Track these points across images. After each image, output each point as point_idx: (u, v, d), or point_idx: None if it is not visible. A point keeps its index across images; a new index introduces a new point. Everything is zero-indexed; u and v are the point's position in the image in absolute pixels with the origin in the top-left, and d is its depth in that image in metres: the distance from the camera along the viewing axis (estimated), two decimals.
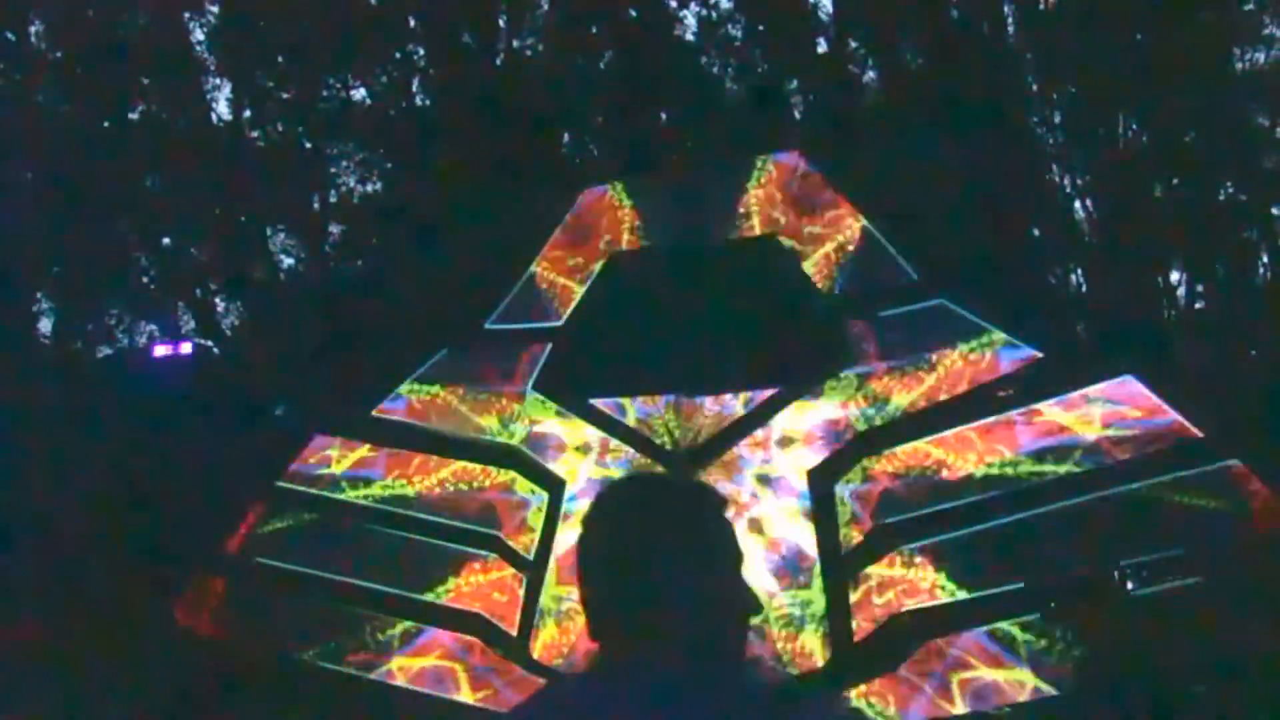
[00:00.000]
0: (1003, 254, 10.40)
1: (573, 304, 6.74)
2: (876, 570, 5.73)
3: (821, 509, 5.92)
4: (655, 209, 6.76)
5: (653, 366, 6.42)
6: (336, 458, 6.79)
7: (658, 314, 6.46)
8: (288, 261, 13.31)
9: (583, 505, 6.30)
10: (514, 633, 6.25)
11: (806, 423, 6.14)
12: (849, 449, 6.01)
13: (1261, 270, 12.48)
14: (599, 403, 6.48)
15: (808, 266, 6.34)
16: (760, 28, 12.67)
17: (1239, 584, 4.76)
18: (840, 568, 5.81)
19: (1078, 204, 12.57)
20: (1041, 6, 12.68)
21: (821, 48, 12.85)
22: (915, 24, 11.89)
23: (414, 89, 13.37)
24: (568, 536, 6.20)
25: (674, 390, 6.36)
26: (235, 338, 12.80)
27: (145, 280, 12.72)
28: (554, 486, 6.44)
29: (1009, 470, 5.70)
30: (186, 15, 13.00)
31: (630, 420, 6.43)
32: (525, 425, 6.60)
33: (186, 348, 9.47)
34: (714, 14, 12.86)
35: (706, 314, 6.32)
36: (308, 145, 13.32)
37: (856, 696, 5.47)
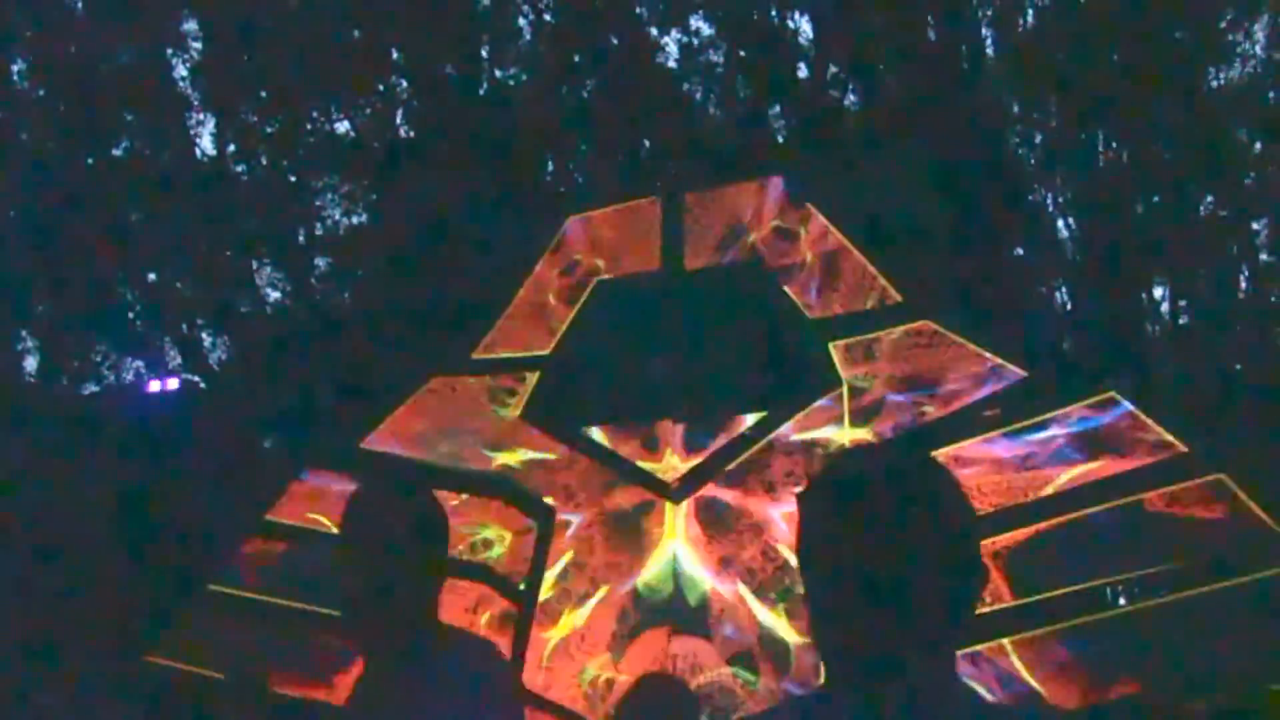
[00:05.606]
0: (987, 273, 10.45)
1: (559, 332, 6.73)
2: None
3: None
4: (640, 236, 6.77)
5: (640, 393, 6.41)
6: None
7: (644, 341, 6.46)
8: (274, 295, 13.32)
9: (579, 533, 6.30)
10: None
11: (794, 445, 6.14)
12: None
13: (1244, 285, 12.58)
14: (587, 430, 6.47)
15: (792, 290, 6.35)
16: (741, 54, 12.77)
17: (1226, 598, 4.76)
18: None
19: (1060, 222, 12.66)
20: (1020, 28, 12.80)
21: (802, 73, 12.96)
22: (894, 47, 12.00)
23: (398, 120, 13.43)
24: (561, 565, 6.20)
25: (661, 416, 6.35)
26: (222, 372, 12.79)
27: (131, 316, 12.70)
28: (544, 515, 6.42)
29: (1000, 489, 5.69)
30: (169, 51, 13.05)
31: (617, 447, 6.42)
32: (515, 453, 6.58)
33: (174, 384, 9.45)
34: (695, 40, 12.97)
35: (692, 340, 6.32)
36: (292, 178, 13.35)
37: None
